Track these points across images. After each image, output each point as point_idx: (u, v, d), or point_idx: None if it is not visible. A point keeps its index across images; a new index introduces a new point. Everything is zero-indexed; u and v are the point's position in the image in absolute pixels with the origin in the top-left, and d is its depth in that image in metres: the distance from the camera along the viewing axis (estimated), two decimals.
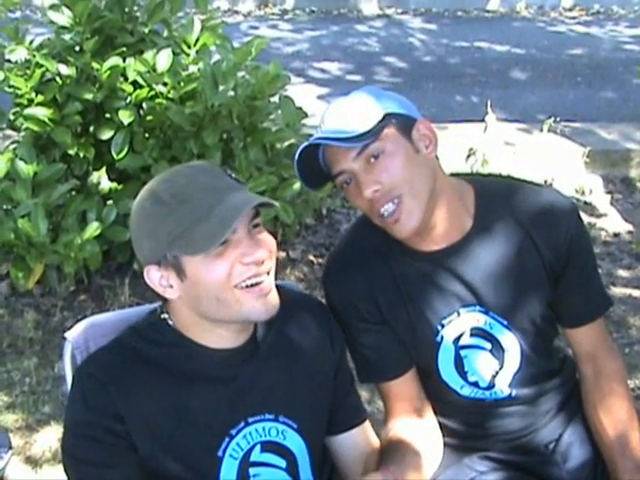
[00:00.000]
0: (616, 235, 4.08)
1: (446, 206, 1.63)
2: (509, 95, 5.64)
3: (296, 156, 1.57)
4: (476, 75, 6.31)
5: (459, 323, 1.69)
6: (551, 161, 4.51)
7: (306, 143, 1.56)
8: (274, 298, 1.44)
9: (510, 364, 1.72)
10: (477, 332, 1.70)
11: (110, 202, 3.27)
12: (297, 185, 3.48)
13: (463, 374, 1.72)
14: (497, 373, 1.73)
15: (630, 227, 4.15)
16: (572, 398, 1.82)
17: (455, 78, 6.22)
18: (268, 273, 1.43)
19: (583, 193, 4.39)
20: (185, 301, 1.44)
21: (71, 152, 3.26)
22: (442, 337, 1.69)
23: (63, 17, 3.32)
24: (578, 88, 5.91)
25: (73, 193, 3.31)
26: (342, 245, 1.79)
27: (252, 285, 1.40)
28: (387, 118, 1.55)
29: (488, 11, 8.89)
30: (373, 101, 1.58)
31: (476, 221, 1.67)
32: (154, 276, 1.43)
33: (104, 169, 3.33)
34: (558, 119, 4.81)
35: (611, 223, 4.19)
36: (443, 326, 1.68)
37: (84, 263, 3.21)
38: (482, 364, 1.72)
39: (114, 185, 3.33)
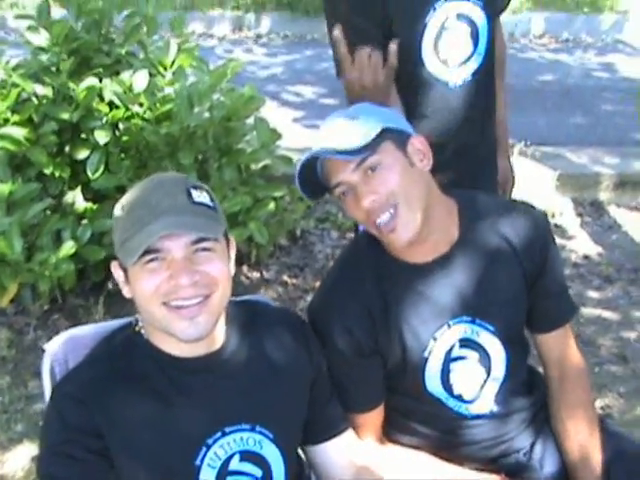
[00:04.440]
0: (586, 257, 4.14)
1: (437, 218, 1.70)
2: None
3: (297, 168, 1.64)
4: None
5: (449, 335, 1.74)
6: (522, 184, 4.54)
7: (308, 155, 1.62)
8: (202, 323, 1.46)
9: (496, 373, 1.79)
10: (465, 343, 1.76)
11: (85, 221, 3.28)
12: (271, 206, 3.51)
13: (448, 387, 1.77)
14: (484, 383, 1.78)
15: (600, 249, 4.22)
16: (542, 411, 1.88)
17: None
18: (207, 297, 1.46)
19: (553, 215, 4.45)
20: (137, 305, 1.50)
21: (47, 172, 3.26)
22: (430, 351, 1.74)
23: (40, 38, 3.34)
24: (548, 113, 6.00)
25: (48, 212, 3.31)
26: (336, 271, 1.84)
27: (177, 307, 1.44)
28: (384, 132, 1.61)
29: None
30: (371, 116, 1.65)
31: (461, 232, 1.75)
32: (116, 272, 1.52)
33: (79, 189, 3.34)
34: (529, 143, 4.89)
35: (581, 245, 4.25)
36: (435, 339, 1.73)
37: (58, 282, 3.21)
38: (469, 376, 1.78)
39: (89, 205, 3.33)
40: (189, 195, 1.46)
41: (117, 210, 1.49)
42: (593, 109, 6.12)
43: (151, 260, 1.43)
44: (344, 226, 4.27)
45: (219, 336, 1.55)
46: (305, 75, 6.80)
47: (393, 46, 1.84)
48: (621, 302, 3.77)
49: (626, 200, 4.67)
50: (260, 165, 3.61)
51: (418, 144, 1.69)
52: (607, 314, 3.67)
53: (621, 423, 2.92)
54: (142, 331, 1.54)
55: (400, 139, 1.66)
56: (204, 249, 1.45)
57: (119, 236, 1.47)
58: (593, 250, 4.21)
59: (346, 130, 1.62)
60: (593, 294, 3.84)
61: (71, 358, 1.58)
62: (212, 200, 1.50)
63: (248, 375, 1.56)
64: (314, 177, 1.67)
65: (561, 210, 4.51)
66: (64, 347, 1.60)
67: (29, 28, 3.33)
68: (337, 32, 1.87)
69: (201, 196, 1.47)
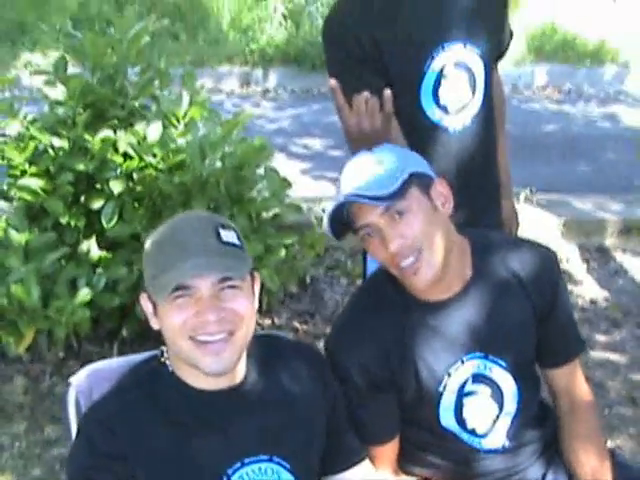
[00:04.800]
0: (593, 302, 4.19)
1: (454, 259, 1.76)
2: None
3: (330, 211, 1.70)
4: None
5: (463, 371, 1.79)
6: (528, 230, 4.61)
7: (342, 200, 1.68)
8: (227, 358, 1.53)
9: (508, 408, 1.84)
10: (478, 378, 1.81)
11: (100, 270, 3.34)
12: (282, 253, 3.58)
13: (462, 421, 1.82)
14: (497, 418, 1.82)
15: (606, 294, 4.27)
16: (553, 443, 1.91)
17: None
18: (232, 333, 1.52)
19: (560, 261, 4.49)
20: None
21: (63, 221, 3.34)
22: (445, 386, 1.79)
23: (57, 92, 3.44)
24: (553, 162, 6.08)
25: (63, 261, 3.38)
26: (353, 307, 1.90)
27: (203, 342, 1.50)
28: (411, 177, 1.68)
29: None
30: (397, 159, 1.72)
31: (475, 270, 1.82)
32: (145, 305, 1.56)
33: (94, 238, 3.41)
34: (534, 190, 4.97)
35: (588, 290, 4.30)
36: (450, 375, 1.78)
37: (74, 329, 3.26)
38: (481, 411, 1.83)
39: (104, 253, 3.40)
40: (218, 234, 1.52)
41: (148, 246, 1.56)
42: (597, 158, 6.20)
43: (180, 296, 1.49)
44: (353, 273, 4.33)
45: (240, 370, 1.61)
46: (312, 128, 6.92)
47: (387, 92, 1.89)
48: (629, 345, 3.81)
49: (632, 246, 4.72)
50: (271, 213, 3.69)
51: (440, 188, 1.76)
52: (615, 357, 3.70)
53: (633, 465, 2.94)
54: (167, 362, 1.59)
55: (425, 184, 1.73)
56: (230, 286, 1.52)
57: (150, 271, 1.53)
58: (600, 295, 4.26)
59: (375, 174, 1.68)
60: (601, 338, 3.88)
61: (95, 390, 1.63)
62: (239, 238, 1.56)
63: (266, 408, 1.62)
64: (339, 217, 1.73)
65: (567, 256, 4.56)
66: (89, 379, 1.65)
67: (46, 82, 3.44)
68: (333, 82, 1.93)
69: (229, 235, 1.54)
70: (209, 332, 1.49)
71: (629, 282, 4.40)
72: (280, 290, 3.79)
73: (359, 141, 1.89)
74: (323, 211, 4.46)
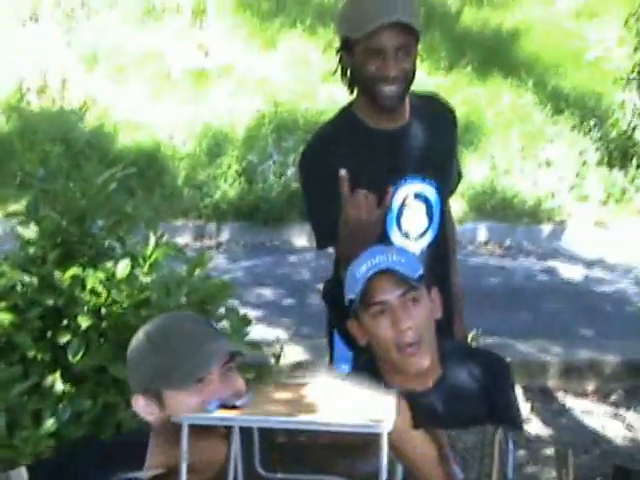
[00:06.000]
0: (538, 438, 4.36)
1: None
2: None
3: (369, 274, 1.96)
4: None
5: None
6: None
7: (382, 267, 1.96)
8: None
9: None
10: None
11: (64, 402, 3.42)
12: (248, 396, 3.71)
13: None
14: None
15: (551, 431, 4.44)
16: None
17: None
18: None
19: None
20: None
21: (29, 354, 3.44)
22: None
23: (29, 232, 3.63)
24: (495, 311, 6.34)
25: (25, 397, 3.45)
26: None
27: None
28: (422, 275, 2.03)
29: None
30: (414, 258, 2.12)
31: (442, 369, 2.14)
32: (140, 404, 1.70)
33: (59, 372, 3.51)
34: (480, 332, 5.19)
35: (532, 428, 4.47)
36: None
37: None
38: None
39: (68, 387, 3.50)
40: (209, 322, 1.73)
41: (144, 342, 1.72)
42: (537, 308, 6.50)
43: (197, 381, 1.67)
44: None
45: None
46: (265, 279, 7.14)
47: (390, 189, 2.19)
48: None
49: (573, 387, 4.94)
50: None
51: (435, 295, 2.10)
52: None
53: None
54: None
55: (428, 286, 2.05)
56: (229, 368, 1.72)
57: (157, 363, 1.70)
58: (545, 432, 4.43)
59: (400, 260, 1.98)
60: (548, 474, 4.02)
61: None
62: None
63: None
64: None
65: None
66: None
67: (21, 223, 3.63)
68: (342, 172, 2.22)
69: (215, 323, 1.75)
70: None
71: (572, 421, 4.59)
72: None
73: (353, 230, 2.15)
74: (280, 352, 4.63)
